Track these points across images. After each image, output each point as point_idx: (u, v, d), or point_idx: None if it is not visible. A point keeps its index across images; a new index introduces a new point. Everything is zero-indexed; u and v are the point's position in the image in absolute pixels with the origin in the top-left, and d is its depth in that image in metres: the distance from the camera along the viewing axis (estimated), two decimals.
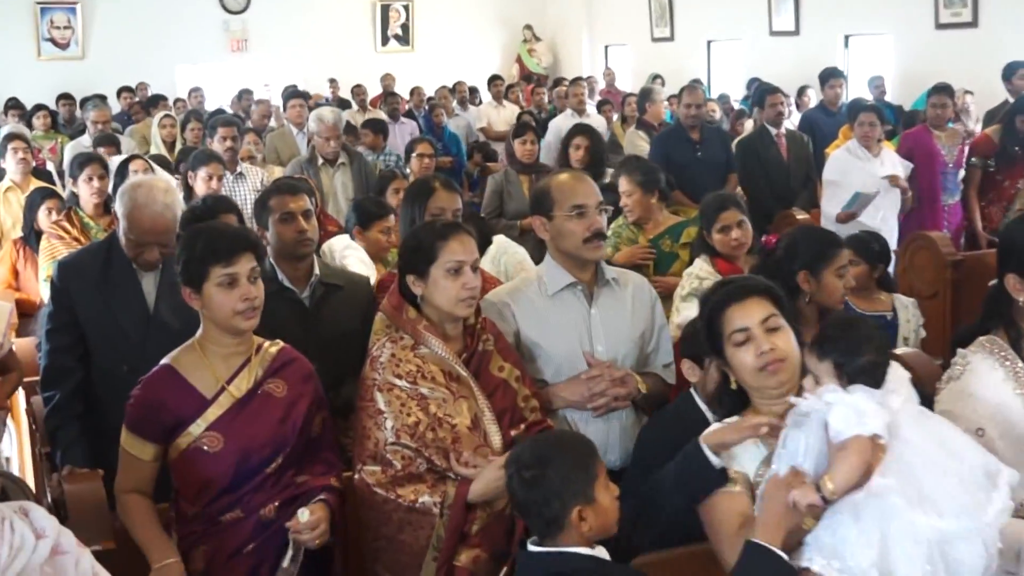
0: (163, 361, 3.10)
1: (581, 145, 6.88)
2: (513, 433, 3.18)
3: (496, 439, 3.14)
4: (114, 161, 6.53)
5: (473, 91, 14.85)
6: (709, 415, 3.28)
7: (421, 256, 3.20)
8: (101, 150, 7.74)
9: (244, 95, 13.23)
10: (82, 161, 6.05)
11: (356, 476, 3.10)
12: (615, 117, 11.24)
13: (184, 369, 3.08)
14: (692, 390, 3.39)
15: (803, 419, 2.48)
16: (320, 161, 7.30)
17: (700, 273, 4.73)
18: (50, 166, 9.44)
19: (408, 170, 7.46)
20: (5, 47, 15.27)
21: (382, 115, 12.42)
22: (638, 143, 8.80)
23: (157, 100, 12.76)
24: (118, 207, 3.84)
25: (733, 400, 2.77)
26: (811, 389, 2.52)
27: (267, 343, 3.20)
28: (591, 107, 11.69)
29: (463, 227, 3.28)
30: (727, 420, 2.71)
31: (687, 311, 4.42)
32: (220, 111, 11.51)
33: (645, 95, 9.54)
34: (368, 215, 5.15)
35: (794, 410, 2.52)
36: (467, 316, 3.24)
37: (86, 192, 5.94)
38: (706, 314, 2.78)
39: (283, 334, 3.28)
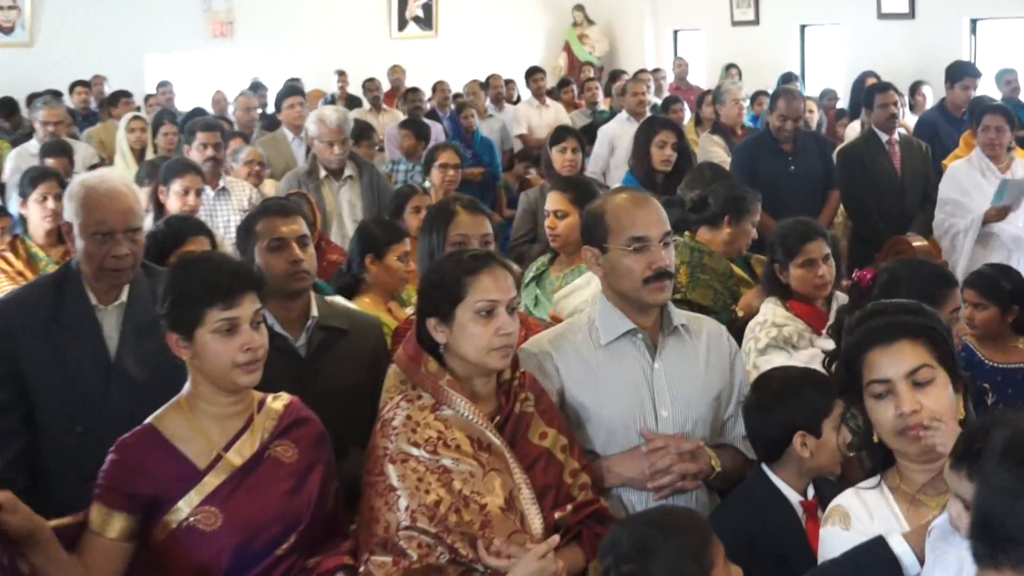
0: (146, 421, 3.13)
1: (668, 142, 6.93)
2: (557, 515, 3.18)
3: (536, 522, 3.14)
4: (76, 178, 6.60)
5: (510, 86, 14.95)
6: (791, 494, 3.30)
7: (444, 295, 3.22)
8: (50, 161, 7.82)
9: (217, 98, 13.40)
10: (34, 177, 6.03)
11: (362, 569, 3.10)
12: (686, 117, 11.27)
13: (171, 434, 3.10)
14: (763, 465, 3.40)
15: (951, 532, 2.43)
16: (322, 173, 7.33)
17: (776, 319, 4.72)
18: None
19: (428, 184, 7.49)
20: None
21: (396, 112, 12.58)
22: (713, 150, 8.83)
23: (119, 97, 12.93)
24: (69, 210, 3.89)
25: (875, 455, 2.83)
26: (957, 518, 2.34)
27: (269, 397, 3.23)
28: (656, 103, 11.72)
29: (496, 259, 3.30)
30: (866, 484, 2.73)
31: (768, 367, 4.41)
32: (198, 112, 11.60)
33: (715, 94, 9.55)
34: (375, 240, 5.13)
35: (937, 524, 2.51)
36: (501, 369, 3.26)
37: (37, 215, 5.89)
38: (845, 351, 2.83)
39: (272, 392, 3.30)
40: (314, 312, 4.06)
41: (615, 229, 3.50)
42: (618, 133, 9.31)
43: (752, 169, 7.57)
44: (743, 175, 6.88)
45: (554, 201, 5.36)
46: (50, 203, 5.86)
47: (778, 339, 4.58)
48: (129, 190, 3.94)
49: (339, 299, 4.50)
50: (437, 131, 11.84)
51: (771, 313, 4.77)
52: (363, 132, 9.83)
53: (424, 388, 3.23)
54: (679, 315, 3.64)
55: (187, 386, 3.13)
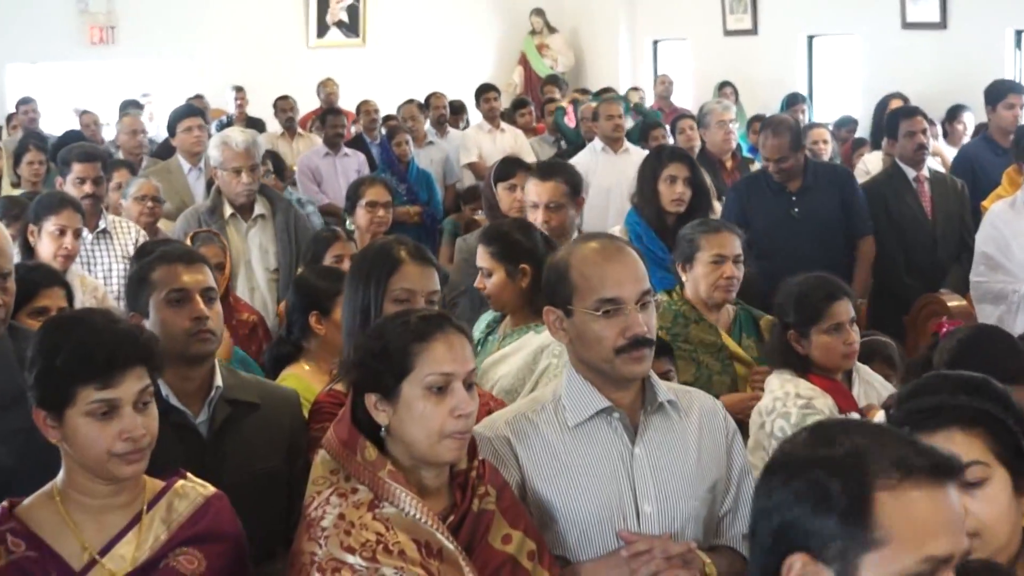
0: (5, 504, 3.12)
1: (679, 176, 7.00)
2: None
3: None
4: None
5: (457, 108, 15.04)
6: None
7: (387, 366, 3.24)
8: None
9: (86, 121, 13.39)
10: None
11: None
12: None
13: (39, 527, 3.09)
14: None
15: None
16: (227, 211, 7.35)
17: (801, 390, 4.79)
18: None
19: (352, 226, 7.51)
20: None
21: (315, 137, 12.58)
22: None
23: None
24: None
25: None
26: None
27: (177, 485, 3.23)
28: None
29: (452, 322, 3.32)
30: None
31: None
32: (73, 136, 11.58)
33: (699, 117, 9.65)
34: (319, 293, 5.06)
35: None
36: (456, 459, 3.28)
37: None
38: None
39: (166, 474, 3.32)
40: (218, 382, 4.06)
41: (581, 288, 3.52)
42: (591, 166, 9.37)
43: (743, 213, 7.63)
44: (736, 220, 6.89)
45: (479, 256, 5.31)
46: None
47: (812, 410, 4.63)
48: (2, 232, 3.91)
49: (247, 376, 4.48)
50: (361, 161, 11.93)
51: (791, 385, 4.82)
52: (273, 162, 9.87)
53: (360, 480, 3.23)
54: (665, 388, 3.66)
55: (60, 473, 3.13)
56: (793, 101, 12.82)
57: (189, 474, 3.34)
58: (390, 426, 3.25)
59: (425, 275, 4.19)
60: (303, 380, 4.81)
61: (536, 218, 6.23)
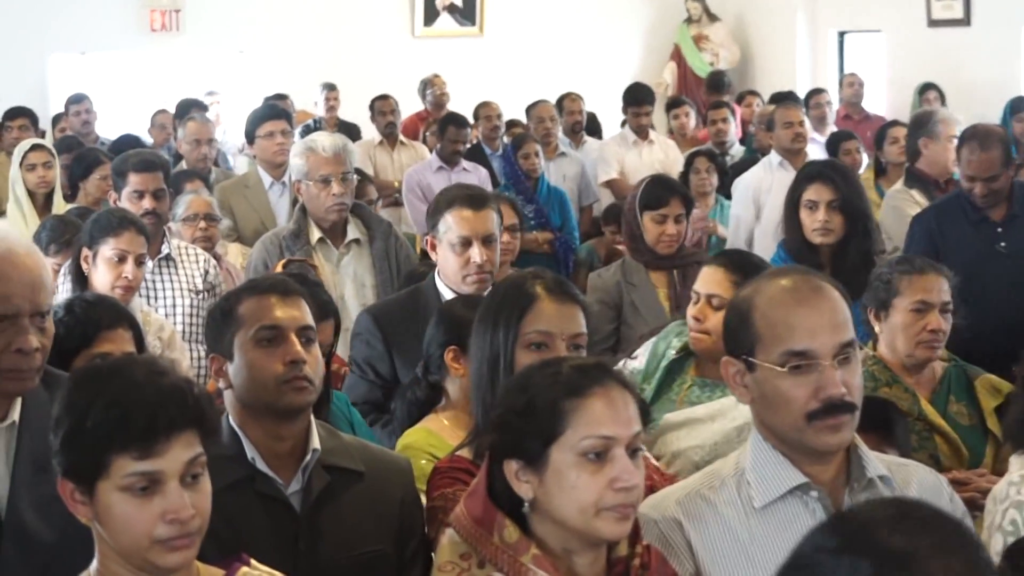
0: None
1: (820, 201, 6.91)
2: None
3: None
4: None
5: (592, 117, 14.97)
6: None
7: (533, 426, 3.26)
8: None
9: (161, 121, 13.57)
10: None
11: None
12: (863, 162, 11.29)
13: None
14: None
15: None
16: (315, 236, 7.41)
17: None
18: None
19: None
20: None
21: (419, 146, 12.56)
22: (906, 210, 8.81)
23: (16, 115, 13.10)
24: None
25: None
26: None
27: (240, 574, 3.24)
28: (816, 144, 11.72)
29: (613, 374, 3.35)
30: None
31: None
32: (130, 141, 11.72)
33: (919, 124, 9.55)
34: (464, 327, 4.78)
35: None
36: (617, 537, 3.27)
37: None
38: None
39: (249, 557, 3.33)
40: (315, 444, 4.07)
41: (766, 337, 3.53)
42: (765, 184, 9.41)
43: (932, 245, 7.55)
44: (926, 252, 6.85)
45: (710, 281, 5.34)
46: None
47: None
48: (35, 255, 3.94)
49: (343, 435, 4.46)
50: (483, 178, 11.90)
51: None
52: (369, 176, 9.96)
53: (498, 567, 3.26)
54: (876, 461, 3.63)
55: (94, 559, 3.14)
56: (1018, 107, 12.64)
57: (254, 561, 3.33)
58: (535, 500, 3.26)
59: (566, 314, 4.21)
60: (436, 436, 4.72)
61: None
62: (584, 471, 3.21)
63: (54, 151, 10.19)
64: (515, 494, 3.27)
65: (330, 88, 15.23)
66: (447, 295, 5.85)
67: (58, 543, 3.58)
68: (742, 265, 5.28)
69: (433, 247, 6.05)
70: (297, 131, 12.17)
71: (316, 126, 13.94)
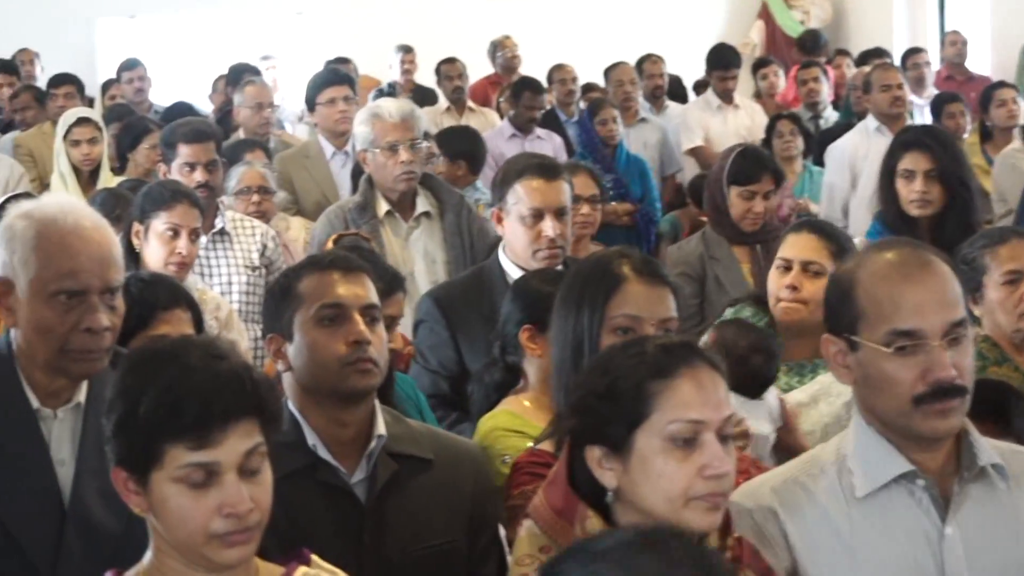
0: None
1: (918, 170, 6.89)
2: None
3: None
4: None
5: (675, 80, 14.93)
6: None
7: (616, 410, 3.26)
8: None
9: (222, 87, 13.57)
10: None
11: None
12: (967, 126, 11.24)
13: None
14: None
15: None
16: (382, 209, 7.42)
17: None
18: None
19: None
20: None
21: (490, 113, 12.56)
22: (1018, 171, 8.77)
23: (58, 84, 13.09)
24: (7, 256, 3.93)
25: None
26: None
27: (298, 574, 3.24)
28: (917, 108, 11.65)
29: (701, 354, 3.34)
30: None
31: None
32: (182, 109, 11.76)
33: None
34: (541, 302, 4.81)
35: None
36: (708, 528, 3.27)
37: None
38: None
39: (312, 554, 3.34)
40: (380, 430, 4.09)
41: (870, 314, 3.52)
42: (861, 151, 9.39)
43: None
44: None
45: (805, 248, 5.39)
46: None
47: None
48: (103, 229, 3.98)
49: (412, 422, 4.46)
50: (557, 146, 11.94)
51: None
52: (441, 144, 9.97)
53: None
54: (989, 449, 3.59)
55: (148, 551, 3.17)
56: None
57: (315, 558, 3.34)
58: (619, 489, 3.27)
59: (655, 297, 4.20)
60: (520, 418, 4.70)
61: None
62: (671, 458, 3.21)
63: (101, 124, 10.25)
64: (598, 483, 3.27)
65: (406, 50, 15.24)
66: (514, 273, 5.84)
67: (124, 533, 3.63)
68: (834, 234, 5.31)
69: (500, 220, 6.03)
70: (371, 95, 12.21)
71: (390, 91, 13.94)
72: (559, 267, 5.75)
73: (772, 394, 4.91)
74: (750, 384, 4.83)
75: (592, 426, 3.28)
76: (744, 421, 4.45)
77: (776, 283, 5.39)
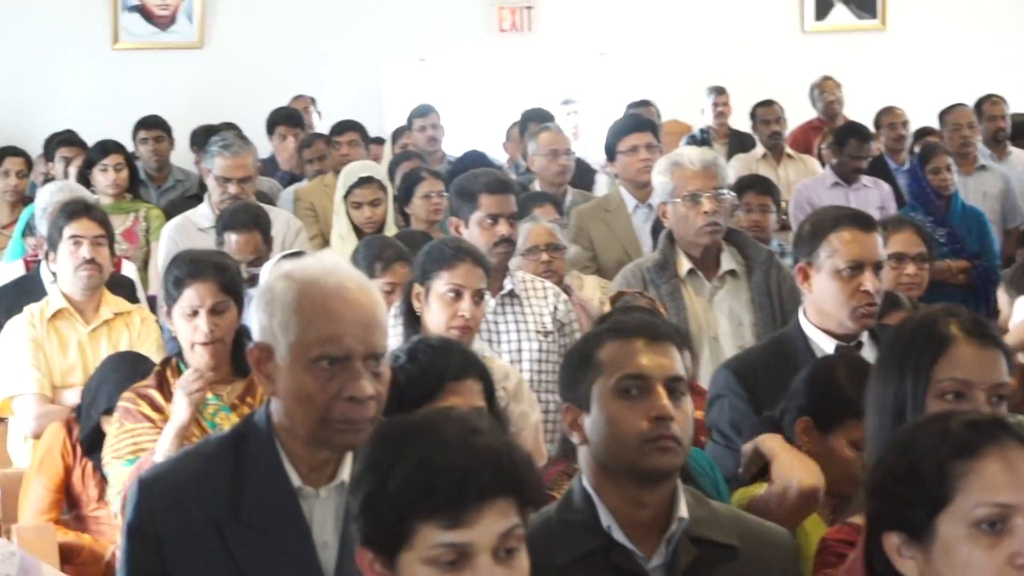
0: None
1: None
2: None
3: None
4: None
5: (1019, 122, 14.64)
6: None
7: (916, 492, 3.24)
8: (233, 239, 8.45)
9: (513, 128, 13.69)
10: (186, 272, 6.31)
11: None
12: None
13: None
14: None
15: None
16: (684, 267, 7.44)
17: None
18: (129, 268, 9.92)
19: None
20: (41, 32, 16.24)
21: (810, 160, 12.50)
22: None
23: (344, 129, 13.19)
24: (263, 321, 4.00)
25: None
26: None
27: None
28: None
29: (1012, 429, 3.29)
30: None
31: None
32: (477, 158, 11.83)
33: None
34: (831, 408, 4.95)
35: None
36: None
37: (186, 329, 6.28)
38: None
39: None
40: (682, 512, 4.07)
41: None
42: None
43: None
44: None
45: None
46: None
47: None
48: (369, 291, 4.03)
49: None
50: (885, 195, 11.86)
51: None
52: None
53: None
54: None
55: None
56: None
57: None
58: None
59: (987, 360, 4.19)
60: None
61: None
62: (978, 545, 3.17)
63: (386, 181, 10.36)
64: (898, 572, 3.24)
65: (719, 92, 15.23)
66: (817, 339, 5.82)
67: None
68: None
69: (806, 277, 5.94)
70: (682, 141, 12.16)
71: (704, 137, 13.91)
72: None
73: None
74: None
75: (890, 510, 3.27)
76: None
77: None
